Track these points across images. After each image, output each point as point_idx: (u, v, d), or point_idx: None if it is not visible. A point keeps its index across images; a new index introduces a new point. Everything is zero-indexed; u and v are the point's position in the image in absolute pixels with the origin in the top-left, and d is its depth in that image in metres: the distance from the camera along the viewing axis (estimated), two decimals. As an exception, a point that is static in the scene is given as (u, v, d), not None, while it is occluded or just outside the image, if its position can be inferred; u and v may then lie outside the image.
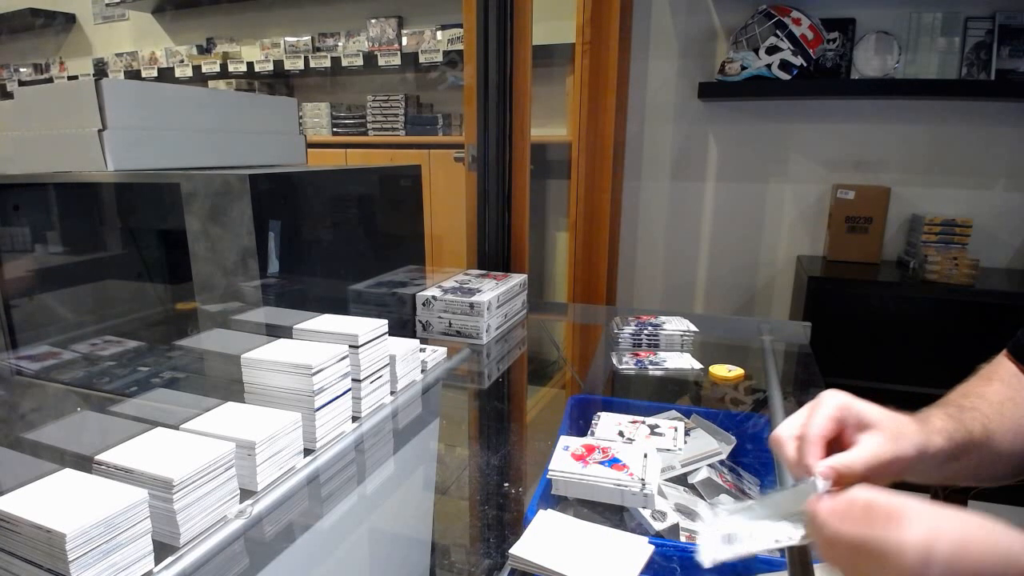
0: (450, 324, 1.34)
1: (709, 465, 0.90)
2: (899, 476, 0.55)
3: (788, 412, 0.95)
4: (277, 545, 0.68)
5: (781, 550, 0.55)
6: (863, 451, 0.53)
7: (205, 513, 0.62)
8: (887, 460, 0.52)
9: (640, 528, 0.77)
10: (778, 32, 2.07)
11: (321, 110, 3.18)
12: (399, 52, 2.99)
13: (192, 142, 1.25)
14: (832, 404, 0.56)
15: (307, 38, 3.25)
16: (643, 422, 0.98)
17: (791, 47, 2.07)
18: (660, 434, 0.95)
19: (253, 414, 0.74)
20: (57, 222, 1.30)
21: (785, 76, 2.10)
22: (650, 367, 1.26)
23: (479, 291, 1.37)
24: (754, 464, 0.99)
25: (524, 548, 0.67)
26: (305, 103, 3.21)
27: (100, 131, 1.08)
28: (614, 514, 0.79)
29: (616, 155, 2.33)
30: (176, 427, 0.70)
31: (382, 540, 0.87)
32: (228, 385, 0.85)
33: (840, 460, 0.52)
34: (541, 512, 0.73)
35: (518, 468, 0.95)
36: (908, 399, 0.54)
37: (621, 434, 0.95)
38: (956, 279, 1.95)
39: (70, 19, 3.92)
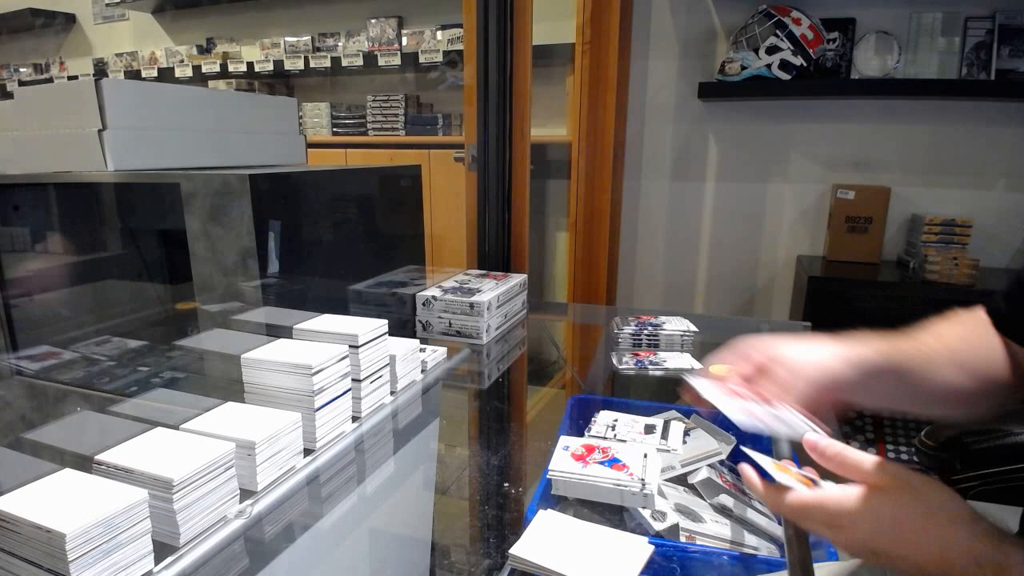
0: (450, 324, 1.34)
1: (709, 465, 0.90)
2: (842, 391, 0.63)
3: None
4: (277, 545, 0.68)
5: (781, 546, 0.58)
6: (801, 386, 0.61)
7: (205, 513, 0.62)
8: (821, 379, 0.61)
9: (640, 528, 0.77)
10: (778, 32, 2.07)
11: (321, 110, 3.18)
12: (399, 52, 2.99)
13: (192, 142, 1.25)
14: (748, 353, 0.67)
15: (307, 38, 3.25)
16: (643, 422, 0.98)
17: (791, 47, 2.06)
18: (660, 434, 0.95)
19: (253, 414, 0.74)
20: (57, 222, 1.30)
21: (785, 76, 2.10)
22: (650, 367, 1.26)
23: (479, 291, 1.37)
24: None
25: (524, 548, 0.67)
26: (305, 103, 3.21)
27: (100, 131, 1.08)
28: (614, 514, 0.79)
29: (616, 155, 2.33)
30: (176, 427, 0.70)
31: (382, 540, 0.87)
32: (228, 385, 0.85)
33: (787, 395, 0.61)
34: (541, 512, 0.73)
35: (518, 468, 0.95)
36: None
37: (620, 434, 0.95)
38: (956, 279, 1.95)
39: (70, 19, 3.92)
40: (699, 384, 0.66)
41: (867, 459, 0.52)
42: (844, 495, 0.51)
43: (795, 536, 0.60)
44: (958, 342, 0.67)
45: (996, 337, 0.67)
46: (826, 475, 0.57)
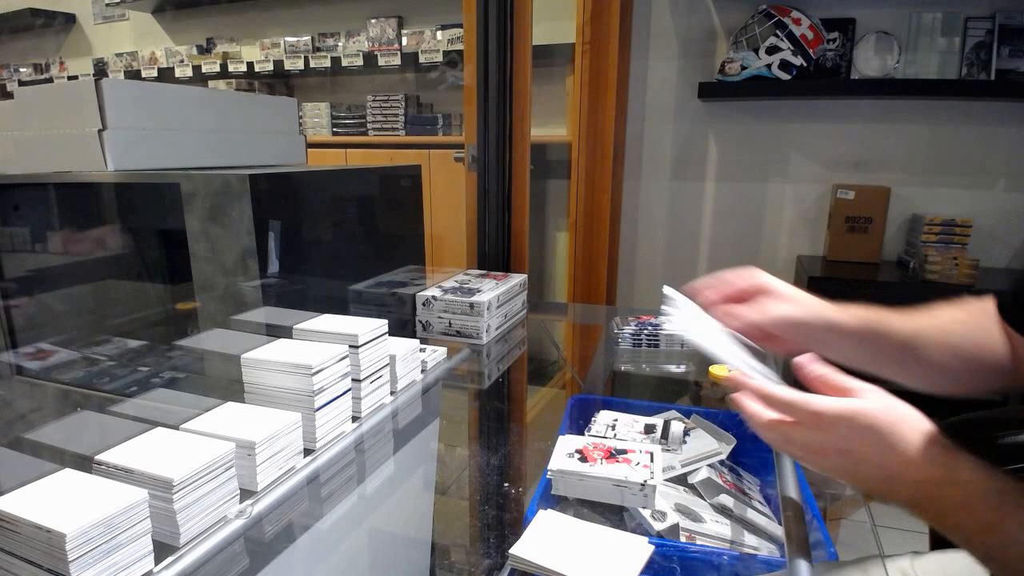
0: (450, 324, 1.34)
1: (709, 465, 0.90)
2: (807, 343, 0.68)
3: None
4: (277, 545, 0.68)
5: (781, 546, 0.58)
6: (766, 311, 0.68)
7: (205, 513, 0.62)
8: (789, 321, 0.67)
9: (640, 528, 0.77)
10: (778, 32, 2.07)
11: (321, 110, 3.18)
12: (399, 52, 2.99)
13: (192, 142, 1.25)
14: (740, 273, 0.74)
15: (307, 38, 3.25)
16: (643, 422, 0.98)
17: (791, 47, 2.06)
18: (660, 434, 0.95)
19: (253, 414, 0.74)
20: (57, 222, 1.30)
21: (785, 76, 2.10)
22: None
23: (479, 291, 1.37)
24: (754, 464, 0.99)
25: (524, 548, 0.67)
26: (305, 103, 3.21)
27: (100, 131, 1.08)
28: (614, 514, 0.79)
29: (616, 155, 2.33)
30: (176, 427, 0.70)
31: (382, 540, 0.87)
32: (228, 385, 0.85)
33: (746, 316, 0.69)
34: (541, 512, 0.73)
35: (518, 468, 0.95)
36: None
37: (620, 433, 0.95)
38: (956, 279, 1.95)
39: (70, 19, 3.92)
40: (673, 293, 0.73)
41: (853, 380, 0.55)
42: (831, 399, 0.53)
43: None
44: (952, 323, 0.69)
45: (996, 325, 0.68)
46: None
